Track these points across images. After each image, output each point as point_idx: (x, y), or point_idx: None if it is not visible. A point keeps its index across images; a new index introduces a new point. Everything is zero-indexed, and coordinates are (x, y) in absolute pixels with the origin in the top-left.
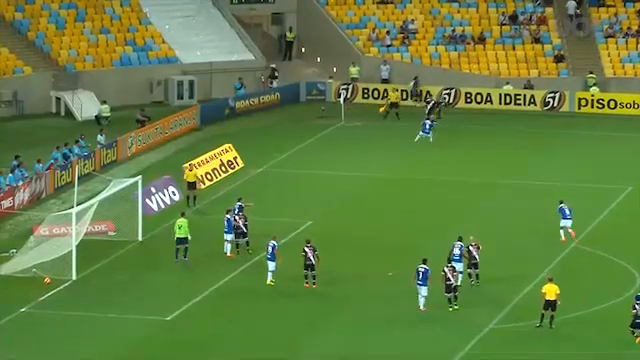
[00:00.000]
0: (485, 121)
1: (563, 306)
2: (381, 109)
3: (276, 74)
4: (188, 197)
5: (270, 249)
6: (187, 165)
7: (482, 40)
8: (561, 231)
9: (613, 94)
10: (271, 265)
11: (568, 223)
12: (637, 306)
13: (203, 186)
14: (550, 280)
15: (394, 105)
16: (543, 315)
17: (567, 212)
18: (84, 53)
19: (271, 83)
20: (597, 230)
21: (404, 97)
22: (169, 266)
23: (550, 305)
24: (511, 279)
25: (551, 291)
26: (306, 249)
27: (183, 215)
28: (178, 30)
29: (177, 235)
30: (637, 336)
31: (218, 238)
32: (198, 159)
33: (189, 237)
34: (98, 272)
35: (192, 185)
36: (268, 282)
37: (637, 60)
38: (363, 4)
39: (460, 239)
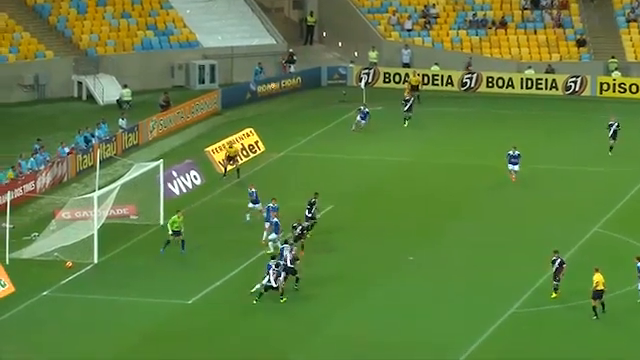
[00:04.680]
0: (507, 105)
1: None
2: (405, 92)
3: (294, 58)
4: (226, 169)
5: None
6: (227, 142)
7: (503, 24)
8: (510, 173)
9: (635, 78)
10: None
11: (514, 167)
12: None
13: (230, 167)
14: (597, 270)
15: (414, 88)
16: (595, 307)
17: (513, 158)
18: (105, 37)
19: (289, 67)
20: (619, 214)
21: (425, 81)
22: (190, 250)
23: (599, 295)
24: (531, 264)
25: (601, 281)
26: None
27: (178, 212)
28: (199, 14)
29: (172, 229)
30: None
31: (239, 223)
32: (219, 143)
33: (182, 230)
34: (120, 256)
35: (233, 159)
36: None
37: None
38: None
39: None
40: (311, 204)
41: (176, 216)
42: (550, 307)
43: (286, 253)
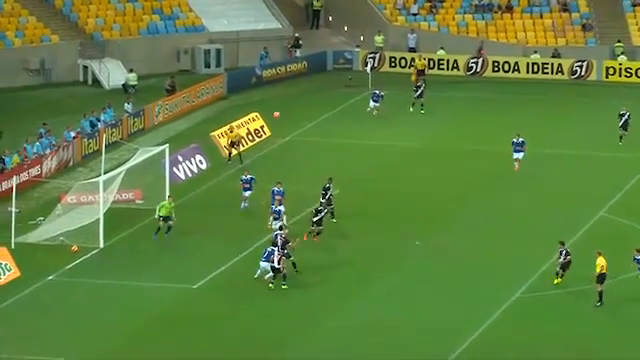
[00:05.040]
0: (513, 90)
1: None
2: (412, 77)
3: (300, 42)
4: (230, 154)
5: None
6: (229, 127)
7: (509, 9)
8: (515, 162)
9: None
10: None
11: (519, 155)
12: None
13: (234, 152)
14: (600, 254)
15: (420, 73)
16: (601, 292)
17: (518, 146)
18: (111, 22)
19: (295, 52)
20: (624, 199)
21: (431, 66)
22: (196, 234)
23: (603, 278)
24: (537, 248)
25: (605, 265)
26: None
27: (169, 197)
28: None
29: (159, 213)
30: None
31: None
32: (225, 127)
33: (173, 216)
34: (125, 240)
35: (235, 144)
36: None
37: None
38: None
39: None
40: (325, 189)
41: (167, 201)
42: (555, 292)
43: (278, 239)
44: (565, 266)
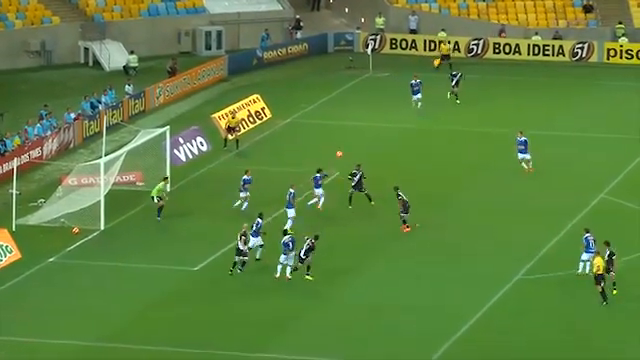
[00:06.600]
0: (513, 72)
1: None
2: (435, 62)
3: (301, 24)
4: (226, 139)
5: (289, 197)
6: (230, 111)
7: None
8: (522, 164)
9: None
10: (290, 212)
11: (525, 156)
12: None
13: (230, 137)
14: (597, 254)
15: (445, 57)
16: (602, 292)
17: (521, 145)
18: (112, 3)
19: (295, 34)
20: (625, 181)
21: (432, 47)
22: (197, 216)
23: (601, 278)
24: (538, 230)
25: (601, 265)
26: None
27: (165, 179)
28: None
29: (157, 195)
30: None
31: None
32: (226, 109)
33: (155, 198)
34: (126, 222)
35: (234, 129)
36: (288, 228)
37: None
38: None
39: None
40: (352, 175)
41: (162, 183)
42: (555, 274)
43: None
44: (611, 268)
